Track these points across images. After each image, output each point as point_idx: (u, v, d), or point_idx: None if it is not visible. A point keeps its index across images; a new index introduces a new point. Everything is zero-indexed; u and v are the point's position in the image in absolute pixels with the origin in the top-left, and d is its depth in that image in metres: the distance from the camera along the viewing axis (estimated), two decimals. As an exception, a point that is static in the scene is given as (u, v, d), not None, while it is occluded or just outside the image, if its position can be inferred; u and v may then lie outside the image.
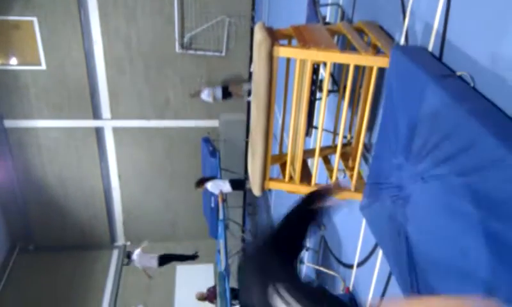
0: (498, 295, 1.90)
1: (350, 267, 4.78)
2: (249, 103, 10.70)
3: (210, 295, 10.59)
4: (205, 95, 11.11)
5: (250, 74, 10.55)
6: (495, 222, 1.94)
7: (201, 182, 10.00)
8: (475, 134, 2.05)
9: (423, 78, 2.53)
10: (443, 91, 2.33)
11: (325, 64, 3.31)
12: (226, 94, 11.21)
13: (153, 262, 10.54)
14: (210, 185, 9.87)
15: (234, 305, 8.45)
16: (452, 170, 2.25)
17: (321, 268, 5.72)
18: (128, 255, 10.36)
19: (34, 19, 10.45)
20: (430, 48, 3.01)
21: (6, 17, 10.38)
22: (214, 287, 10.80)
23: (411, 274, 2.74)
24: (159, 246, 12.83)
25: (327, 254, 5.72)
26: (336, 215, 5.43)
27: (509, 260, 1.86)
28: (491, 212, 1.96)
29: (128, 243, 13.88)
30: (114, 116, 11.83)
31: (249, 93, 10.61)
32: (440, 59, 2.89)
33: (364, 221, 4.27)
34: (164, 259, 10.75)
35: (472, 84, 2.48)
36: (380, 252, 3.90)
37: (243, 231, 12.94)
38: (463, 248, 2.18)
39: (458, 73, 2.56)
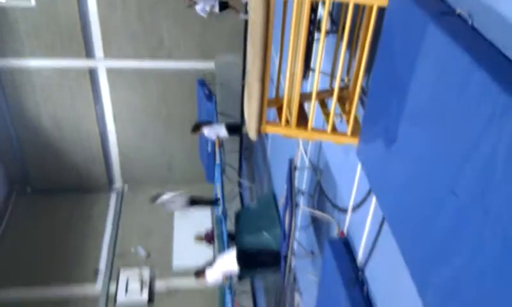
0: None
1: (344, 211, 4.81)
2: (246, 38, 10.35)
3: (207, 237, 10.79)
4: (200, 9, 10.34)
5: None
6: (483, 158, 1.95)
7: (197, 127, 9.96)
8: (469, 71, 2.03)
9: (421, 16, 2.48)
10: (442, 30, 2.29)
11: (324, 2, 3.17)
12: (223, 6, 10.54)
13: (181, 204, 10.54)
14: (206, 131, 9.83)
15: (231, 247, 8.61)
16: (447, 110, 2.22)
17: (316, 212, 5.77)
18: (155, 197, 10.29)
19: (22, -46, 10.02)
20: (433, -15, 2.88)
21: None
22: (212, 230, 11.00)
23: (404, 218, 2.74)
24: (156, 190, 12.96)
25: (322, 199, 5.76)
26: (332, 160, 5.42)
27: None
28: (483, 147, 1.96)
29: (126, 186, 13.98)
30: (107, 55, 11.58)
31: (245, 9, 10.12)
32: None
33: (359, 166, 4.26)
34: (193, 202, 10.76)
35: (470, 22, 2.40)
36: (374, 197, 3.90)
37: (239, 176, 13.03)
38: (452, 187, 2.17)
39: (457, 12, 2.47)
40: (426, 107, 2.45)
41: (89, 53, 11.47)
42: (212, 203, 11.32)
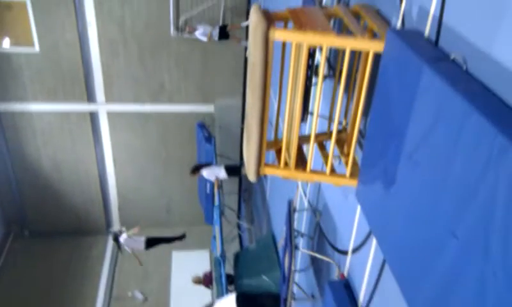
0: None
1: (345, 253, 4.77)
2: (245, 83, 10.54)
3: (205, 280, 10.62)
4: (200, 33, 10.54)
5: (248, 15, 10.30)
6: (482, 200, 1.95)
7: (196, 169, 9.97)
8: (465, 114, 2.06)
9: (417, 61, 2.52)
10: (437, 74, 2.33)
11: (321, 48, 3.26)
12: (224, 34, 10.70)
13: (140, 244, 10.53)
14: (206, 172, 9.84)
15: (230, 290, 8.48)
16: (445, 152, 2.24)
17: (316, 255, 5.71)
18: (115, 238, 10.34)
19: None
20: (426, 32, 2.97)
21: (-3, -2, 10.24)
22: (210, 272, 10.84)
23: (405, 260, 2.72)
24: (154, 232, 12.85)
25: (322, 241, 5.72)
26: (331, 202, 5.42)
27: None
28: (482, 189, 1.96)
29: (124, 229, 13.86)
30: (109, 99, 11.74)
31: (246, 36, 10.26)
32: (436, 43, 2.85)
33: (359, 207, 4.25)
34: (152, 242, 10.74)
35: (464, 67, 2.46)
36: (374, 239, 3.88)
37: (238, 217, 12.95)
38: (452, 229, 2.17)
39: (451, 57, 2.54)
40: (424, 150, 2.47)
41: (90, 97, 11.63)
42: (175, 239, 11.24)
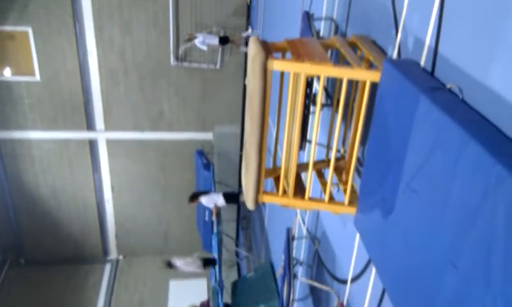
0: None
1: (344, 282, 4.73)
2: (244, 110, 10.58)
3: (203, 309, 10.46)
4: (200, 42, 10.48)
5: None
6: (481, 229, 1.95)
7: (195, 196, 9.95)
8: (462, 144, 2.07)
9: (413, 91, 2.55)
10: (433, 104, 2.35)
11: (318, 78, 3.30)
12: (224, 40, 10.68)
13: (196, 266, 10.46)
14: (204, 200, 9.81)
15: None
16: (443, 182, 2.24)
17: (315, 283, 5.66)
18: (169, 264, 10.30)
19: (29, 29, 10.45)
20: (422, 62, 3.01)
21: (0, 27, 10.37)
22: (208, 301, 10.69)
23: (404, 289, 2.70)
24: (152, 259, 12.76)
25: (321, 269, 5.67)
26: (330, 230, 5.39)
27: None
28: (480, 219, 1.96)
29: (121, 257, 13.74)
30: (108, 127, 11.80)
31: (246, 42, 10.28)
32: (432, 73, 2.89)
33: (358, 236, 4.24)
34: (207, 262, 10.68)
35: (460, 97, 2.49)
36: (374, 268, 3.85)
37: (237, 245, 12.86)
38: (452, 259, 2.15)
39: (448, 86, 2.57)
40: (421, 178, 2.48)
41: (90, 125, 11.69)
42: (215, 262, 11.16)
